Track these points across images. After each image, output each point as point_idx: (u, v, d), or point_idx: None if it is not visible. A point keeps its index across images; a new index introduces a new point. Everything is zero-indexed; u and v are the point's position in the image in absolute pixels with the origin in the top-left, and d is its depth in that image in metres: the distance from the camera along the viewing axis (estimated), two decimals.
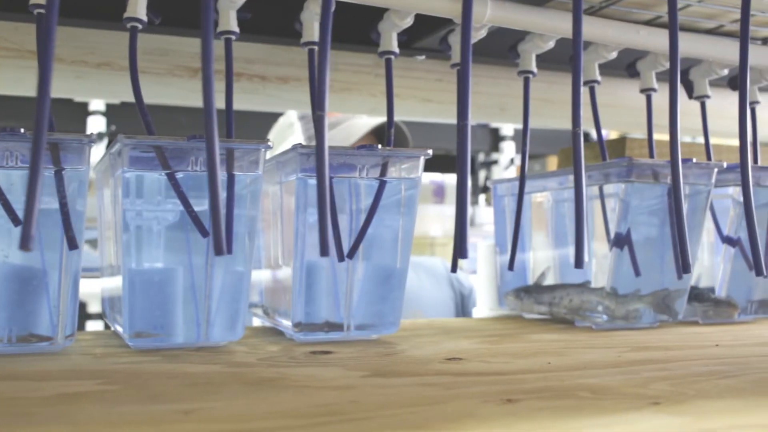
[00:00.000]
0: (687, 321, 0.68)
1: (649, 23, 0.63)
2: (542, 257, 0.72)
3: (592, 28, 0.60)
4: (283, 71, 0.71)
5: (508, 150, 2.32)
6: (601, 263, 0.66)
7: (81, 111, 1.93)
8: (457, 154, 0.49)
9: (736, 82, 0.76)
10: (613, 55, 0.66)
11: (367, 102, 0.74)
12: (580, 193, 0.51)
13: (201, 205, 0.50)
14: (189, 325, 0.51)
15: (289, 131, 1.37)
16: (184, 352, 0.49)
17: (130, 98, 0.52)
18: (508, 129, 2.31)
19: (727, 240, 0.67)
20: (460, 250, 0.48)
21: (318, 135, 0.44)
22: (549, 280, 0.70)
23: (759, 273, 0.56)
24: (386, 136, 0.57)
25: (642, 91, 0.67)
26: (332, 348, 0.52)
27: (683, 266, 0.58)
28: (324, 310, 0.54)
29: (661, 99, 0.66)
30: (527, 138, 0.63)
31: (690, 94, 0.72)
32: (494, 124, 2.28)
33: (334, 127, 1.26)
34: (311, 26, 0.55)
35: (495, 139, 2.32)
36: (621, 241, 0.62)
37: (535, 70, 0.63)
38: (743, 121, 0.59)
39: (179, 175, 0.49)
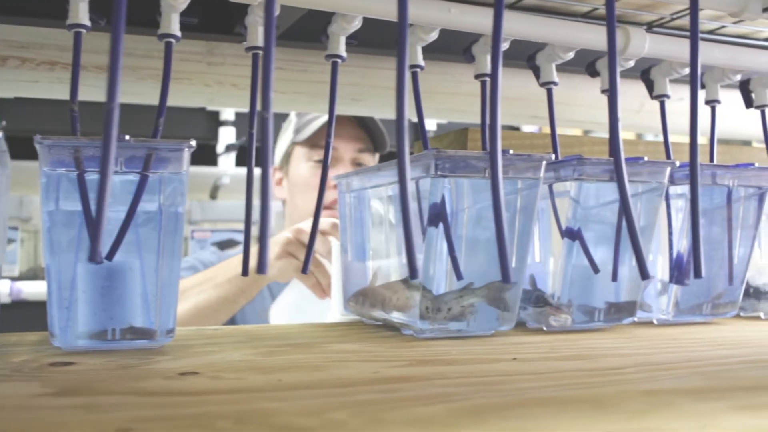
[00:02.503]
0: (533, 328, 0.63)
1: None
2: (382, 256, 0.67)
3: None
4: None
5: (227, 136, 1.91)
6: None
7: None
8: (248, 146, 0.45)
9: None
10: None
11: (202, 92, 0.70)
12: (405, 190, 0.46)
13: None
14: None
15: (286, 124, 1.36)
16: None
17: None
18: (229, 113, 1.88)
19: (567, 233, 0.60)
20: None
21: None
22: (380, 282, 0.65)
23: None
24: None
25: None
26: (77, 359, 0.47)
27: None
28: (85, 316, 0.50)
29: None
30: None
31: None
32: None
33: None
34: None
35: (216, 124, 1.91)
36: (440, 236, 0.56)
37: (344, 54, 0.58)
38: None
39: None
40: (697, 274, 0.44)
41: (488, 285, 0.59)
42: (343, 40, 0.58)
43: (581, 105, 0.80)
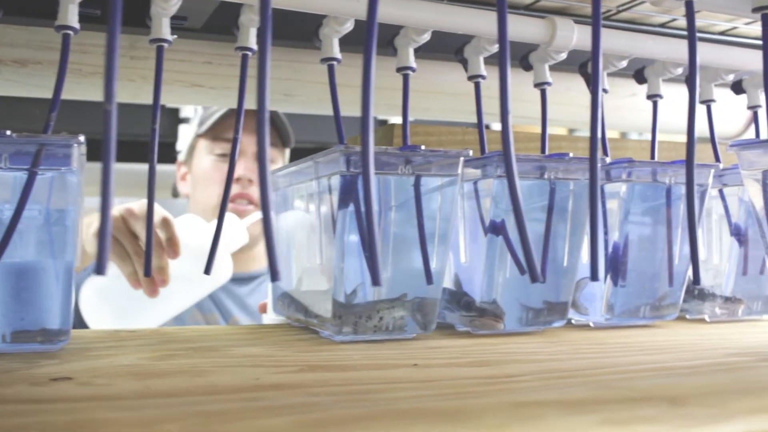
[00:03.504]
0: (461, 332, 0.60)
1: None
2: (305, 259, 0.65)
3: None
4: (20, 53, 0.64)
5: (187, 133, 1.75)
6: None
7: None
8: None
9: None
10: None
11: (126, 87, 0.68)
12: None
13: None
14: None
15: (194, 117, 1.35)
16: None
17: None
18: (188, 110, 1.80)
19: (491, 229, 0.58)
20: None
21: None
22: (305, 285, 0.63)
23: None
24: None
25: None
26: None
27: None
28: None
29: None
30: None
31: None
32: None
33: None
34: None
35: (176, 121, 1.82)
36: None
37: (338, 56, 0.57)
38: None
39: None
40: (594, 278, 0.41)
41: (416, 300, 0.57)
42: (254, 32, 0.56)
43: (520, 100, 0.77)
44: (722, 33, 0.75)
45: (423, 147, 0.53)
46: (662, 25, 0.78)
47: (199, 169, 1.25)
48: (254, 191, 1.20)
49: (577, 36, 0.60)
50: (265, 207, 0.36)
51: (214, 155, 1.25)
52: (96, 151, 0.33)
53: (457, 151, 0.54)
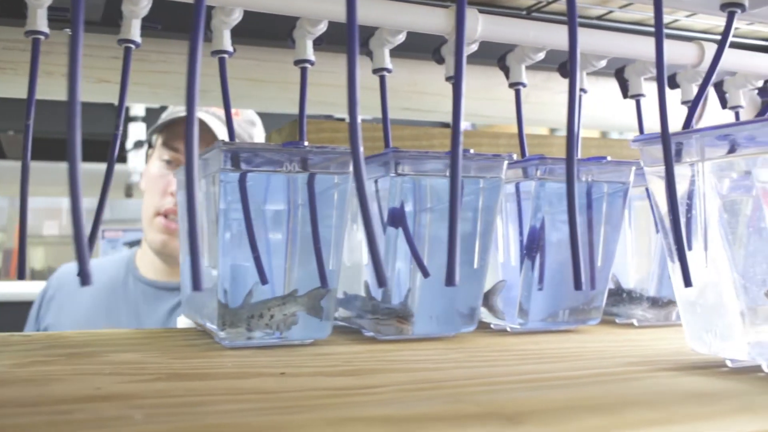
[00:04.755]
0: (368, 337, 0.58)
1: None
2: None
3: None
4: None
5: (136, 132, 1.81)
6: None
7: None
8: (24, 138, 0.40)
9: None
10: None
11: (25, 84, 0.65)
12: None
13: None
14: None
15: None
16: None
17: None
18: (139, 108, 1.81)
19: (390, 219, 0.55)
20: None
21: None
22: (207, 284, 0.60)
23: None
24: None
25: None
26: None
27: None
28: None
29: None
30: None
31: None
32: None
33: None
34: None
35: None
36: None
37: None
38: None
39: None
40: (453, 279, 0.39)
41: (309, 293, 0.55)
42: (137, 24, 0.53)
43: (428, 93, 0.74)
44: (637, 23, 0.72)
45: (306, 143, 0.50)
46: (600, 18, 0.75)
47: (148, 172, 1.22)
48: None
49: (482, 26, 0.57)
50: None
51: (161, 160, 1.21)
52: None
53: (345, 148, 0.52)
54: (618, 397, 0.38)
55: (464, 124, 1.45)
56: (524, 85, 0.63)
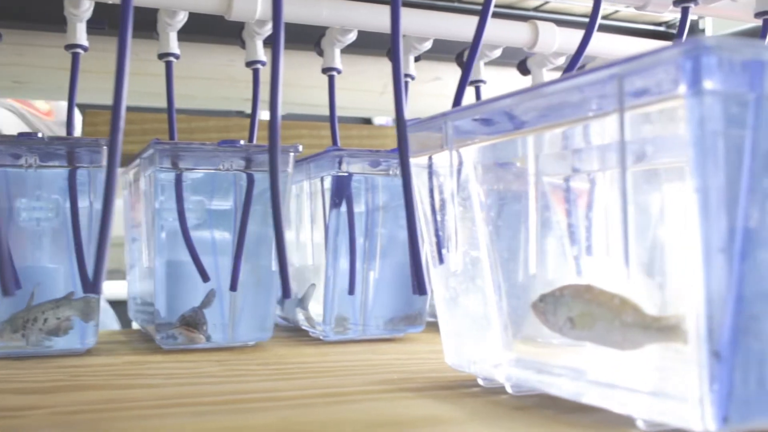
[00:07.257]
0: (167, 349, 0.53)
1: None
2: None
3: None
4: None
5: None
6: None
7: None
8: None
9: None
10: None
11: None
12: None
13: None
14: None
15: None
16: None
17: None
18: None
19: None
20: None
21: None
22: None
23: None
24: None
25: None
26: None
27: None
28: None
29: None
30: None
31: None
32: None
33: None
34: None
35: None
36: None
37: None
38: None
39: None
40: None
41: (84, 297, 0.50)
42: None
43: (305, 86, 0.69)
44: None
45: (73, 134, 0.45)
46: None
47: None
48: None
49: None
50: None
51: None
52: None
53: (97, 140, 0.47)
54: (319, 424, 0.32)
55: (383, 120, 1.37)
56: (339, 71, 0.57)
